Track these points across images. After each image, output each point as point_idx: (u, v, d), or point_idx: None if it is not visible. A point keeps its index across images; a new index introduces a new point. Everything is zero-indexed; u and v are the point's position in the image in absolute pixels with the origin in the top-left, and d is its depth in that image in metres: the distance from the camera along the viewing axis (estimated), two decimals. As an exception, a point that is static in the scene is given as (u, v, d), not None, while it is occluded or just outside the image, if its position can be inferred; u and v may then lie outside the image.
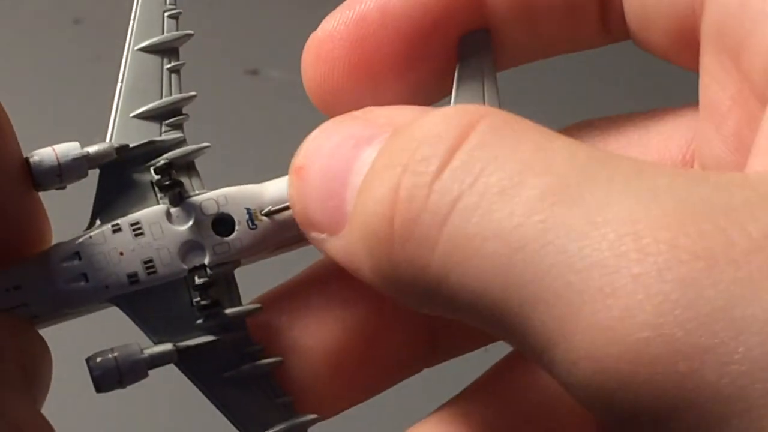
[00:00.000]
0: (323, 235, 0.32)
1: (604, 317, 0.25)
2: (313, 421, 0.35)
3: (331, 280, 0.35)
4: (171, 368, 0.34)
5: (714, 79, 0.32)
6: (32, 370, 0.32)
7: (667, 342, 0.24)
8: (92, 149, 0.34)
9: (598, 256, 0.25)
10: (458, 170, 0.28)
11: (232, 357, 0.34)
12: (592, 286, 0.25)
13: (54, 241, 0.34)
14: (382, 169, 0.29)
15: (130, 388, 0.34)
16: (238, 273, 0.35)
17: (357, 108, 0.35)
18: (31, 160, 0.33)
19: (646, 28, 0.35)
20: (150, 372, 0.34)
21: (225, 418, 0.34)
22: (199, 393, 0.34)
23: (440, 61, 0.36)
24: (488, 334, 0.36)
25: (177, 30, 0.36)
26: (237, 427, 0.34)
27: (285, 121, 0.89)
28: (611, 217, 0.25)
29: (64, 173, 0.33)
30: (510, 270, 0.26)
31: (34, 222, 0.34)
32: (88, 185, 0.35)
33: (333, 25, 0.35)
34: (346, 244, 0.31)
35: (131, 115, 0.35)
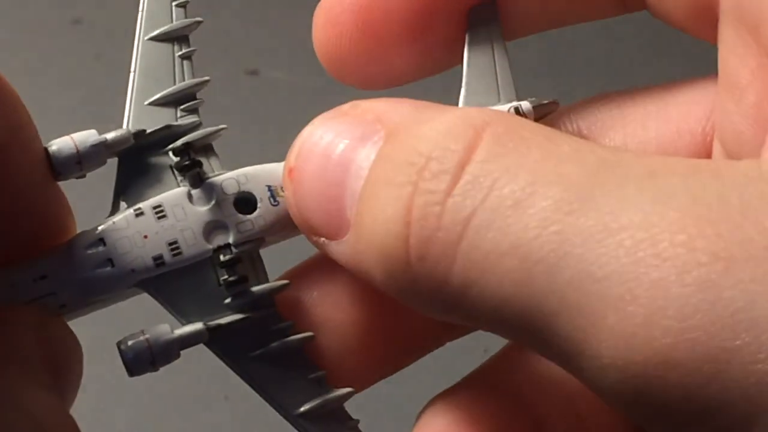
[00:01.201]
0: (323, 240, 0.32)
1: (627, 325, 0.25)
2: (348, 395, 0.34)
3: None
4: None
5: (733, 53, 0.32)
6: (59, 365, 0.32)
7: (691, 346, 0.24)
8: (110, 136, 0.34)
9: (617, 264, 0.25)
10: (469, 185, 0.27)
11: (262, 334, 0.34)
12: (612, 294, 0.25)
13: (77, 231, 0.34)
14: (386, 182, 0.29)
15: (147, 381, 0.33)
16: (263, 253, 0.35)
17: (366, 73, 0.35)
18: (49, 149, 0.33)
19: (664, 1, 0.35)
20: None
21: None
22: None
23: (449, 31, 0.36)
24: None
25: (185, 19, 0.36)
26: (271, 405, 0.34)
27: (285, 121, 0.89)
28: (626, 222, 0.25)
29: (83, 161, 0.33)
30: (530, 284, 0.26)
31: (58, 213, 0.34)
32: (107, 175, 0.35)
33: None
34: (351, 251, 0.31)
35: (146, 102, 0.35)
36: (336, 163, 0.31)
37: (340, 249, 0.31)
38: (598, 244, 0.25)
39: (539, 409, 0.35)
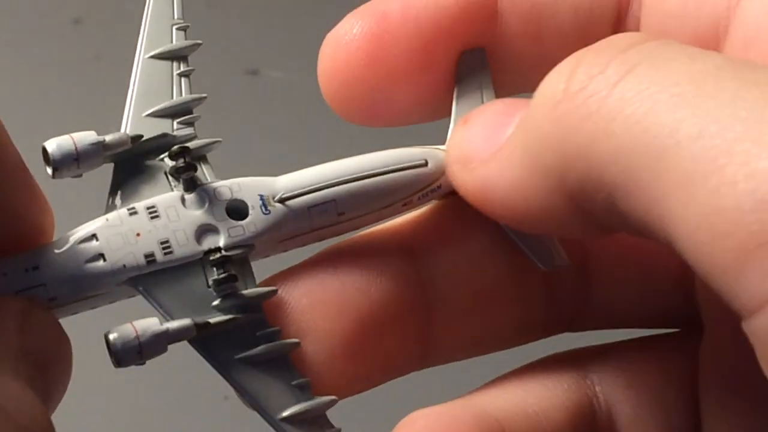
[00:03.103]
0: (473, 165, 0.34)
1: (751, 165, 0.26)
2: (331, 403, 0.35)
3: (345, 267, 0.36)
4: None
5: None
6: (43, 358, 0.31)
7: None
8: (108, 137, 0.35)
9: (763, 114, 0.27)
10: (642, 50, 0.30)
11: (249, 338, 0.34)
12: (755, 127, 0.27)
13: (59, 234, 0.34)
14: (549, 78, 0.31)
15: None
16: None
17: (370, 103, 0.36)
18: (48, 146, 0.34)
19: None
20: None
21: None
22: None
23: (452, 68, 0.37)
24: (480, 345, 0.39)
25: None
26: (253, 408, 0.34)
27: (285, 121, 0.89)
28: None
29: (81, 159, 0.34)
30: (673, 115, 0.28)
31: (35, 215, 0.33)
32: (102, 183, 0.35)
33: (355, 20, 0.36)
34: (496, 160, 0.33)
35: (144, 114, 0.36)
36: (509, 109, 0.34)
37: (484, 167, 0.34)
38: (754, 96, 0.27)
39: None
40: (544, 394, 0.37)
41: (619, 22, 0.37)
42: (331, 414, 0.35)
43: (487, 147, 0.33)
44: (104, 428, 0.77)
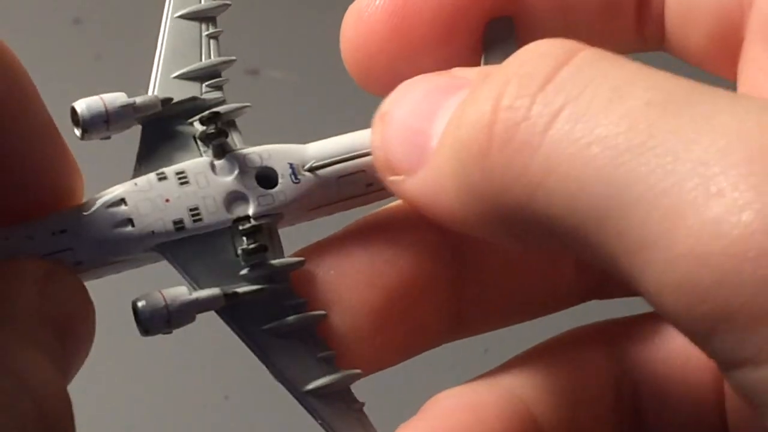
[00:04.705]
0: (401, 177, 0.33)
1: (711, 214, 0.25)
2: (356, 377, 0.34)
3: (373, 239, 0.36)
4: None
5: (763, 71, 0.33)
6: (65, 323, 0.31)
7: None
8: (138, 99, 0.35)
9: (707, 159, 0.25)
10: (565, 83, 0.28)
11: (276, 308, 0.34)
12: (699, 186, 0.25)
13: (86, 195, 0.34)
14: (477, 95, 0.30)
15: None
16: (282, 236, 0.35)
17: (392, 74, 0.35)
18: (77, 107, 0.34)
19: (686, 27, 0.35)
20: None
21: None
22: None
23: (474, 39, 0.37)
24: (510, 315, 0.38)
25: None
26: (279, 380, 0.34)
27: (285, 121, 0.89)
28: (719, 125, 0.26)
29: (110, 119, 0.34)
30: (613, 171, 0.26)
31: (64, 175, 0.33)
32: (129, 146, 0.35)
33: None
34: (426, 178, 0.32)
35: (172, 76, 0.36)
36: (428, 104, 0.32)
37: (414, 182, 0.32)
38: (690, 141, 0.26)
39: (543, 417, 0.36)
40: (571, 373, 0.37)
41: None
42: (357, 393, 0.34)
43: (410, 157, 0.32)
44: (104, 428, 0.77)
